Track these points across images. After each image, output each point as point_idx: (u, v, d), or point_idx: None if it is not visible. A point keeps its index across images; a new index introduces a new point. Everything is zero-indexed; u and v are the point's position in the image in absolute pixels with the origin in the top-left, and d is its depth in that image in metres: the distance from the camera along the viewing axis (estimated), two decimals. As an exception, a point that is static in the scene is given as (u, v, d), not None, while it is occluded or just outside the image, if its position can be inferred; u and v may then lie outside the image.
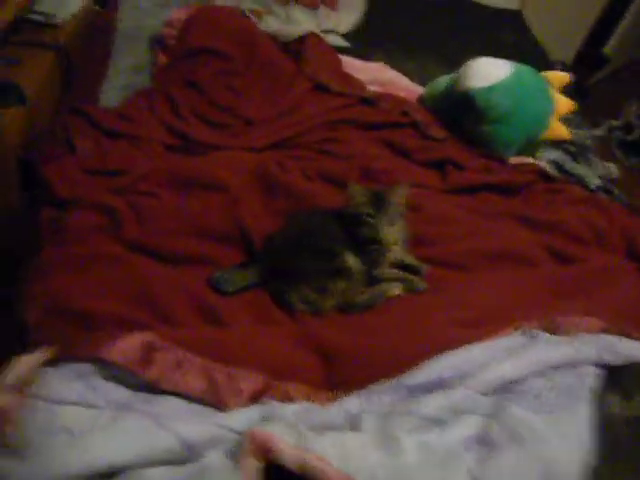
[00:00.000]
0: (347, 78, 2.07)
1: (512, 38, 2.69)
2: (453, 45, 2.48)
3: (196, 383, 0.99)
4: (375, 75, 2.18)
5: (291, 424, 0.93)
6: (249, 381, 1.03)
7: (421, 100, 2.20)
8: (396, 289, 1.38)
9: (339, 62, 2.16)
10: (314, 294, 1.31)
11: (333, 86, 1.99)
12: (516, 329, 1.19)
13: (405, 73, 2.29)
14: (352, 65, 2.18)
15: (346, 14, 2.33)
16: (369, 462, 0.86)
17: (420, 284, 1.39)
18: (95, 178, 1.53)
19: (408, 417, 0.97)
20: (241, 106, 1.92)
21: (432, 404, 0.99)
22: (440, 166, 1.84)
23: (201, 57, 1.96)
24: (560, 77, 1.97)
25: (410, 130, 1.95)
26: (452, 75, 2.07)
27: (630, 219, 1.76)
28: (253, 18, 2.13)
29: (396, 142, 1.82)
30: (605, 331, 1.24)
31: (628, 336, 1.24)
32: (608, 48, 3.47)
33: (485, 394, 1.03)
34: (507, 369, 1.04)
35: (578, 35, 3.50)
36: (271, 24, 2.14)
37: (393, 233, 1.37)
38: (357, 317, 1.30)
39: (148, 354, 0.98)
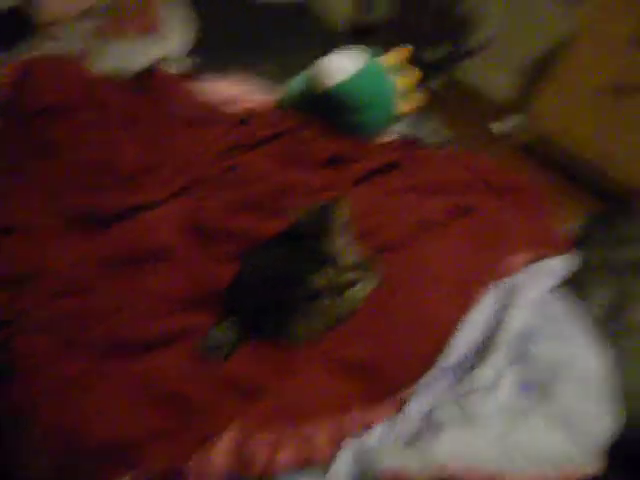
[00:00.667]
0: (208, 105, 2.03)
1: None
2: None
3: (291, 455, 0.97)
4: (228, 92, 2.16)
5: (395, 446, 0.98)
6: (326, 428, 1.05)
7: (280, 106, 2.26)
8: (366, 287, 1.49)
9: (191, 91, 2.08)
10: (311, 320, 1.34)
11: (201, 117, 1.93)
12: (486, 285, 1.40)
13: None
14: (203, 88, 2.12)
15: (178, 35, 2.23)
16: (481, 446, 0.97)
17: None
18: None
19: (471, 394, 1.10)
20: (116, 160, 1.74)
21: (480, 374, 1.13)
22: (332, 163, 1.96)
23: (48, 115, 1.71)
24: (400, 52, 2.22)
25: (290, 137, 2.02)
26: (305, 75, 2.16)
27: (476, 160, 2.13)
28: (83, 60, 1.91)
29: (293, 152, 1.87)
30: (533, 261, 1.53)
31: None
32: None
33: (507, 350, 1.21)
34: (515, 324, 1.23)
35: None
36: (105, 63, 1.95)
37: (345, 244, 1.46)
38: (353, 328, 1.37)
39: (242, 448, 0.92)
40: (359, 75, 2.03)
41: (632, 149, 2.83)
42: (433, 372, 1.16)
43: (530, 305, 1.25)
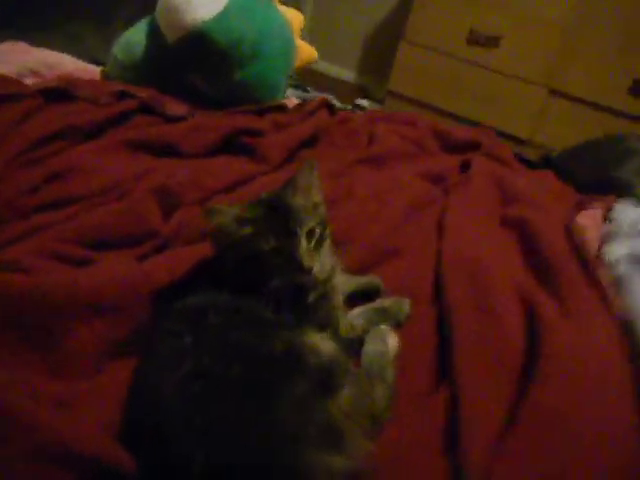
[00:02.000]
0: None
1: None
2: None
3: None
4: (26, 61, 1.30)
5: None
6: None
7: (107, 76, 1.46)
8: (392, 338, 0.84)
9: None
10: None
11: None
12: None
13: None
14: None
15: None
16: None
17: (403, 308, 0.89)
18: None
19: None
20: None
21: None
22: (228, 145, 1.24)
23: None
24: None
25: (145, 117, 1.25)
26: (144, 25, 1.40)
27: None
28: None
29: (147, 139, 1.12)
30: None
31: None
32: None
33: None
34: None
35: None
36: None
37: (321, 258, 0.79)
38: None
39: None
40: (235, 4, 1.34)
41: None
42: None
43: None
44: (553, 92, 2.75)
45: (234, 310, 0.73)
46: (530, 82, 2.77)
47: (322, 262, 0.78)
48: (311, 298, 0.79)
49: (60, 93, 1.18)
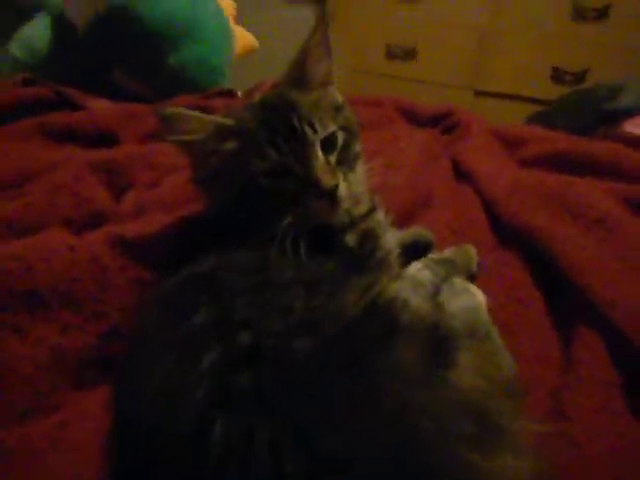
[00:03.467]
0: None
1: None
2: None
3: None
4: None
5: None
6: None
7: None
8: (476, 290, 0.59)
9: None
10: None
11: None
12: None
13: None
14: None
15: None
16: None
17: (471, 256, 0.65)
18: None
19: None
20: None
21: None
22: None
23: None
24: None
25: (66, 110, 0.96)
26: (44, 15, 1.14)
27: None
28: None
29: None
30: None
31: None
32: None
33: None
34: None
35: None
36: None
37: (350, 179, 0.54)
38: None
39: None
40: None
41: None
42: None
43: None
44: (478, 93, 2.76)
45: (254, 267, 0.46)
46: (454, 87, 2.76)
47: (352, 184, 0.53)
48: (349, 240, 0.54)
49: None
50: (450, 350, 0.42)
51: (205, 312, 0.40)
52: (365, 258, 0.54)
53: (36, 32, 1.14)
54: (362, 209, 0.56)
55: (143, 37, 1.08)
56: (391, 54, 2.80)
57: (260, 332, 0.38)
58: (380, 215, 0.58)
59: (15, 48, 1.13)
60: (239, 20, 1.42)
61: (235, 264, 0.46)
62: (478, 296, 0.58)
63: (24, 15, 1.15)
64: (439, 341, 0.43)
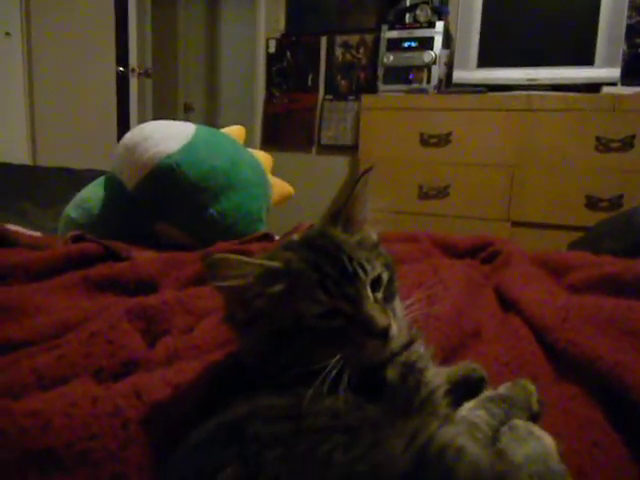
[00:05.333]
0: None
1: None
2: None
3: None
4: None
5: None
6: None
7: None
8: (542, 433, 0.52)
9: None
10: None
11: None
12: None
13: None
14: None
15: None
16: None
17: (530, 392, 0.58)
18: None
19: None
20: None
21: None
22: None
23: None
24: (237, 130, 1.49)
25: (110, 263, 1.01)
26: (99, 180, 1.25)
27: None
28: None
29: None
30: None
31: None
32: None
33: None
34: None
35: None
36: None
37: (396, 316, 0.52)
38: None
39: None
40: (200, 137, 1.22)
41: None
42: None
43: None
44: (516, 224, 2.78)
45: (287, 415, 0.42)
46: (490, 220, 2.81)
47: (397, 322, 0.51)
48: (390, 375, 0.50)
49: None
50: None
51: (231, 469, 0.35)
52: (409, 396, 0.49)
53: (90, 193, 1.24)
54: (402, 340, 0.52)
55: (186, 192, 1.17)
56: (424, 195, 2.91)
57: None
58: (420, 347, 0.55)
59: (70, 209, 1.24)
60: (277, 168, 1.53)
61: (267, 410, 0.42)
62: (546, 440, 0.50)
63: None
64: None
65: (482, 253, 1.30)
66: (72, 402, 0.41)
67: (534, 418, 0.58)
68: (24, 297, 0.74)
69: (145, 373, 0.53)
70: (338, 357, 0.46)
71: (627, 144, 2.50)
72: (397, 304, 0.54)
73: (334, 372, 0.45)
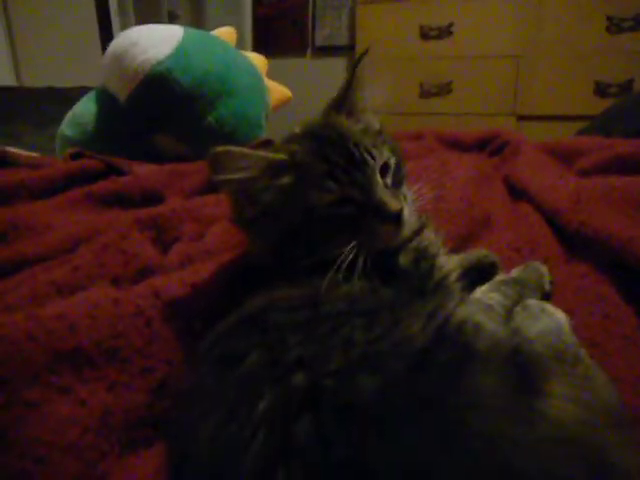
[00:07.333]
0: None
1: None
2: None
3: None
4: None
5: None
6: None
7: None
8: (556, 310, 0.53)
9: None
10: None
11: None
12: None
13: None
14: None
15: None
16: None
17: (542, 274, 0.60)
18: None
19: None
20: None
21: None
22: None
23: None
24: (227, 31, 1.41)
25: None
26: (90, 95, 1.21)
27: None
28: None
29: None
30: None
31: None
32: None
33: None
34: None
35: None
36: None
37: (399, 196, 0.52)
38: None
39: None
40: (189, 40, 1.16)
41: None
42: None
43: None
44: (521, 118, 2.69)
45: (305, 303, 0.43)
46: (495, 115, 2.72)
47: (408, 207, 0.51)
48: (403, 260, 0.51)
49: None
50: (537, 377, 0.36)
51: (256, 355, 0.37)
52: (422, 280, 0.50)
53: (83, 110, 1.20)
54: (413, 227, 0.52)
55: (181, 100, 1.12)
56: (425, 93, 2.80)
57: (317, 372, 0.34)
58: (431, 233, 0.55)
59: (64, 127, 1.20)
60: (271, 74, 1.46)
61: (284, 301, 0.43)
62: (558, 315, 0.52)
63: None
64: (522, 368, 0.37)
65: (490, 146, 1.27)
66: (94, 304, 0.42)
67: (546, 297, 0.59)
68: (32, 215, 0.74)
69: (162, 276, 0.54)
70: (353, 244, 0.46)
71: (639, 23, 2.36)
72: (405, 190, 0.54)
73: (348, 260, 0.46)
